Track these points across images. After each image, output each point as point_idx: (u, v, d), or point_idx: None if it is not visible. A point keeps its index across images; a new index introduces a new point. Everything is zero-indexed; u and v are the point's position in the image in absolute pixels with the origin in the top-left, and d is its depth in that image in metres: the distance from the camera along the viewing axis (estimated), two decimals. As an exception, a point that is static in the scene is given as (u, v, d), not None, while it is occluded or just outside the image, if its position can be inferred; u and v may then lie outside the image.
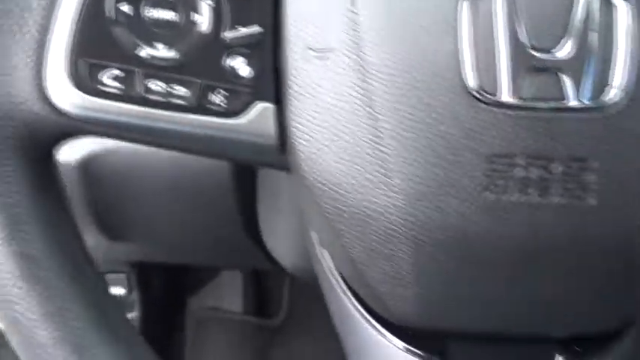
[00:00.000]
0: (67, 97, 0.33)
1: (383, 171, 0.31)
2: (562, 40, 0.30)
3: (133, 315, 0.89)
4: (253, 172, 0.58)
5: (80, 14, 0.32)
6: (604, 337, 0.36)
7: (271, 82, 0.33)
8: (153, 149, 0.55)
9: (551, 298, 0.33)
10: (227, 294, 1.00)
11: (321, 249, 0.39)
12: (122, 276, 0.86)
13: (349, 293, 0.38)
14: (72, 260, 0.36)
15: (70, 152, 0.56)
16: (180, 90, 0.33)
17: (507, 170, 0.30)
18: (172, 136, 0.34)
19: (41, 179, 0.36)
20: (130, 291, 0.88)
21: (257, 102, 0.33)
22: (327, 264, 0.39)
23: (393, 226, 0.32)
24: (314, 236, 0.40)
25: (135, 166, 0.56)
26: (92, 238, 0.64)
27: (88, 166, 0.56)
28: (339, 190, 0.32)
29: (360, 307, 0.37)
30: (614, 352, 0.36)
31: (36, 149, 0.35)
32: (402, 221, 0.32)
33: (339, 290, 0.38)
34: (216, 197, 0.57)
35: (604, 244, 0.31)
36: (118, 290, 0.87)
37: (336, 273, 0.38)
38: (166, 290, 0.97)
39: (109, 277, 0.86)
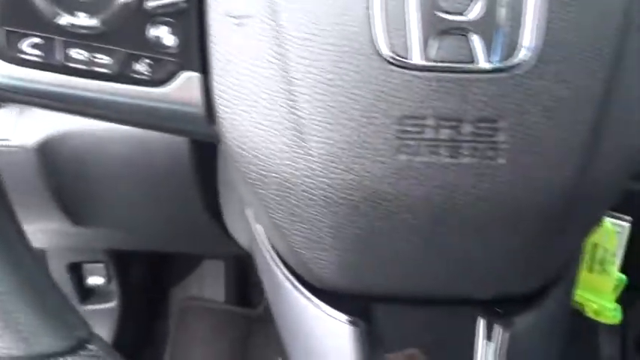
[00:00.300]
0: None
1: (299, 135, 0.31)
2: (472, 3, 0.30)
3: (112, 304, 0.90)
4: (214, 153, 0.58)
5: None
6: (526, 299, 0.36)
7: (196, 51, 0.33)
8: (110, 131, 0.56)
9: (469, 260, 0.33)
10: (209, 283, 1.00)
11: (256, 224, 0.39)
12: (100, 266, 0.87)
13: (280, 263, 0.38)
14: None
15: (27, 136, 0.56)
16: (103, 58, 0.33)
17: (419, 132, 0.30)
18: (96, 105, 0.34)
19: None
20: (109, 280, 0.88)
21: (182, 71, 0.33)
22: (260, 238, 0.39)
23: (310, 190, 0.32)
24: (249, 213, 0.40)
25: (93, 148, 0.56)
26: (58, 224, 0.64)
27: (45, 149, 0.56)
28: (260, 156, 0.32)
29: (289, 275, 0.37)
30: (535, 313, 0.36)
31: None
32: (318, 184, 0.32)
33: (270, 262, 0.39)
34: (176, 180, 0.57)
35: (516, 204, 0.31)
36: (96, 280, 0.88)
37: (268, 246, 0.39)
38: (147, 279, 0.97)
39: (87, 266, 0.87)
